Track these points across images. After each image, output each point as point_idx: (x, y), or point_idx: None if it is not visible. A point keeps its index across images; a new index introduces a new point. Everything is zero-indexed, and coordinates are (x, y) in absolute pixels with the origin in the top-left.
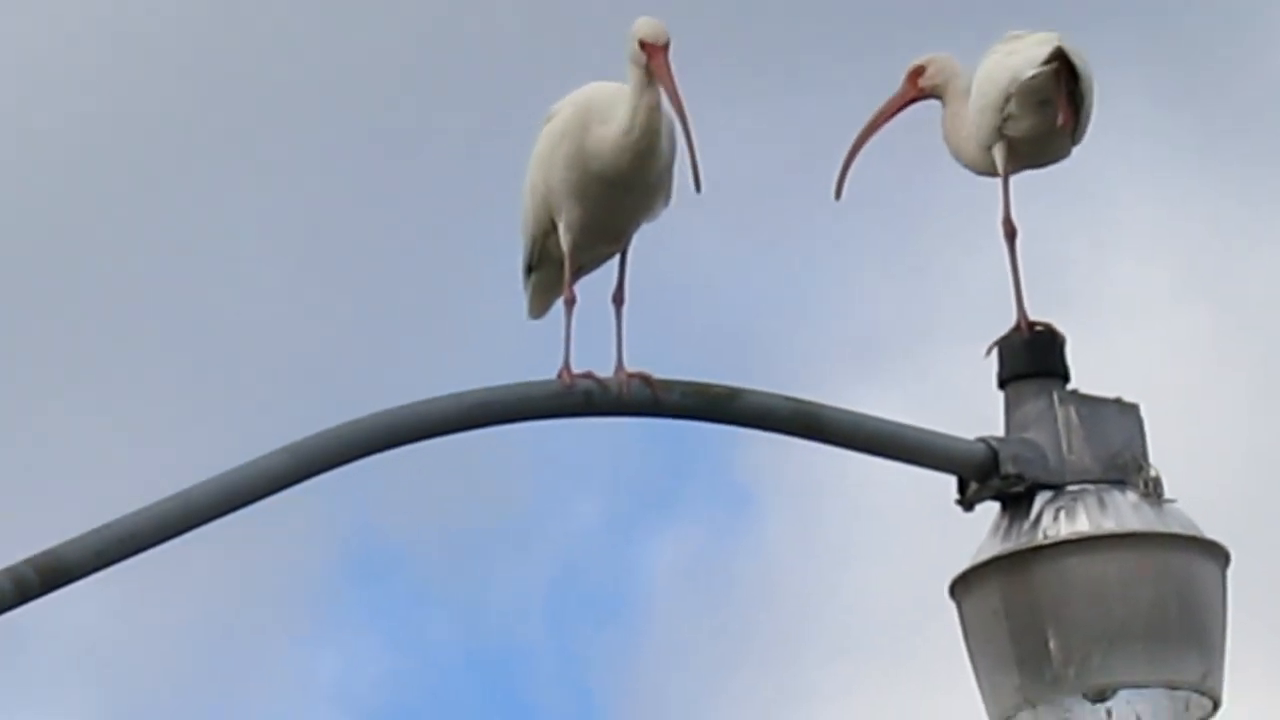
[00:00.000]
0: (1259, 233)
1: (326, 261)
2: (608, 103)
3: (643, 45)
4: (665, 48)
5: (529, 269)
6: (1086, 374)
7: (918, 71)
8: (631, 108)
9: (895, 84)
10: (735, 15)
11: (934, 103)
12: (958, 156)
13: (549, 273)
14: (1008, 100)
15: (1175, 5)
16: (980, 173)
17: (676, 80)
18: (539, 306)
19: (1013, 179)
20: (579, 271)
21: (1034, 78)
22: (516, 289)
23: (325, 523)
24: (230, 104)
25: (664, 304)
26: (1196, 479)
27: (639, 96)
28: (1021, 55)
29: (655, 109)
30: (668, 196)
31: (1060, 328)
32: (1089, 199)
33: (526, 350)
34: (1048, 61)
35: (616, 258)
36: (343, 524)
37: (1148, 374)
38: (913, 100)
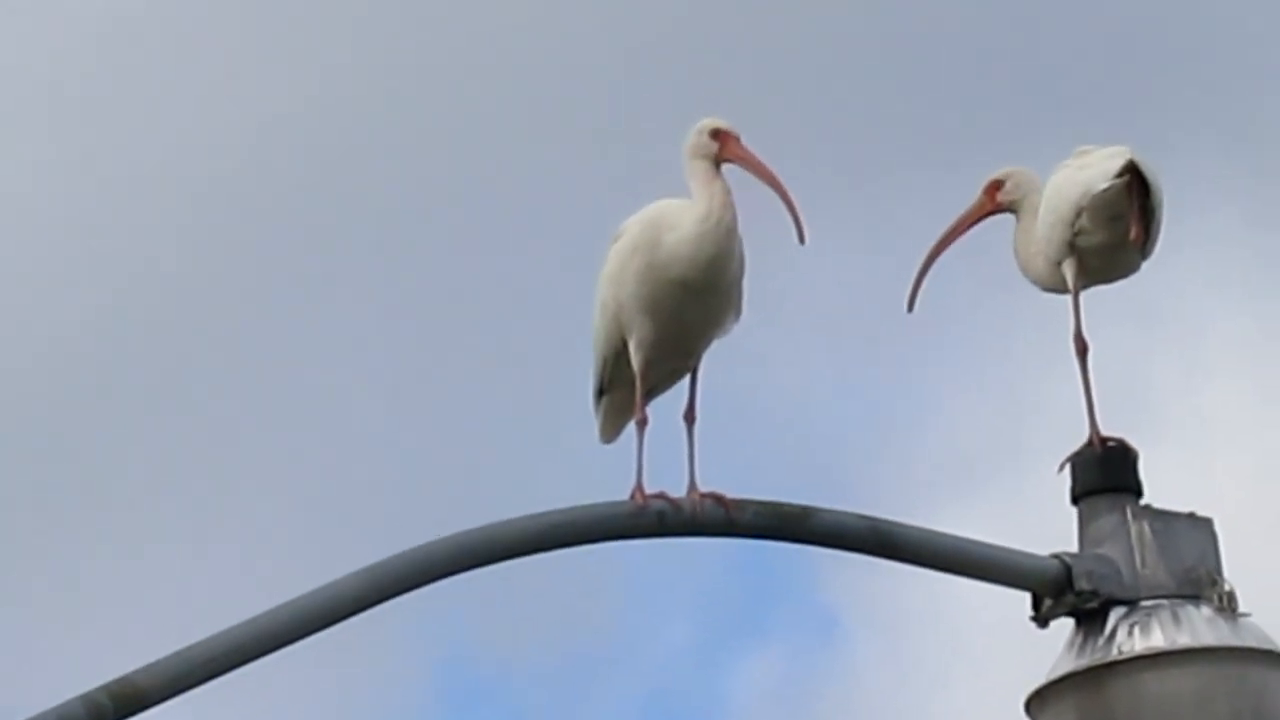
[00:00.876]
0: None
1: (408, 383)
2: (676, 213)
3: (715, 134)
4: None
5: (600, 392)
6: (1166, 490)
7: (996, 185)
8: (706, 196)
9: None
10: (826, 126)
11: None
12: (1026, 272)
13: (620, 395)
14: (1079, 215)
15: (1263, 118)
16: (1047, 289)
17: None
18: (611, 429)
19: (1086, 296)
20: (650, 392)
21: (1106, 191)
22: (589, 411)
23: (418, 649)
24: (324, 222)
25: (744, 425)
26: (1273, 594)
27: (710, 186)
28: (1094, 169)
29: (729, 196)
30: (738, 310)
31: (1133, 443)
32: (1174, 316)
33: (601, 473)
34: (1120, 175)
35: (687, 378)
36: (436, 651)
37: (1228, 491)
38: (990, 214)
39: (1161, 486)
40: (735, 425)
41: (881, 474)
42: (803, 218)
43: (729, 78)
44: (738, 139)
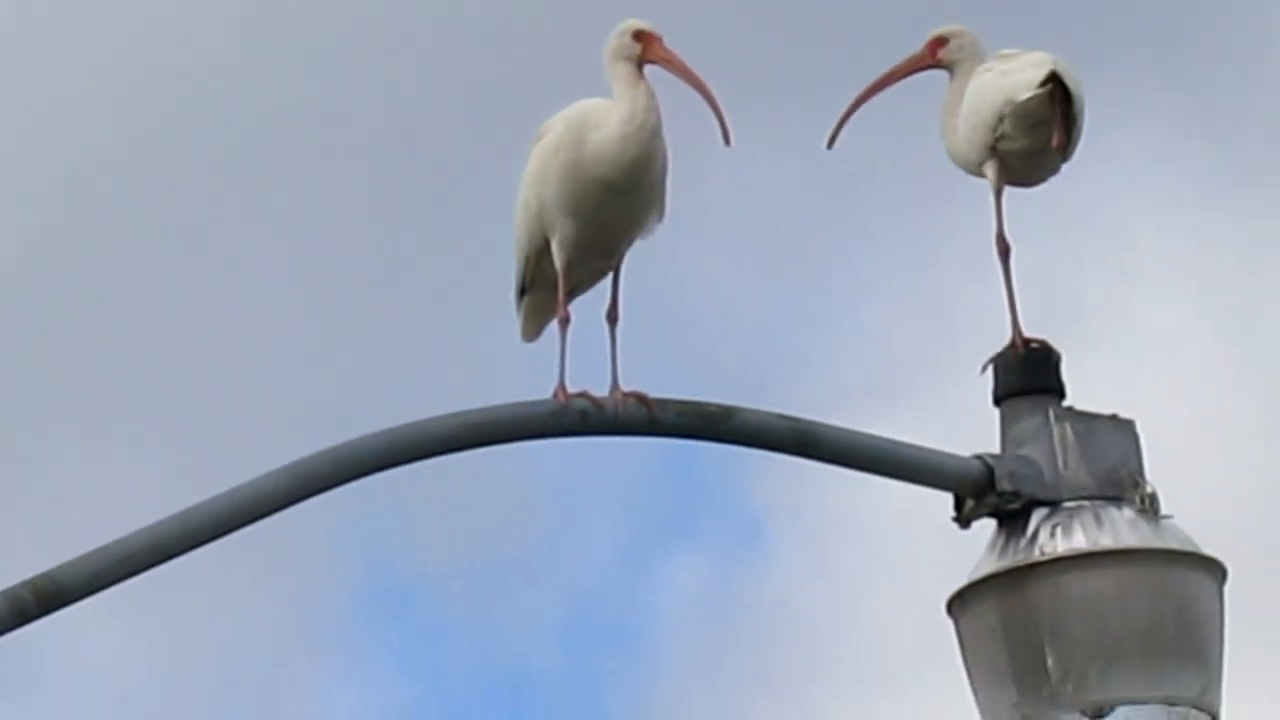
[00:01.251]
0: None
1: (327, 285)
2: (600, 112)
3: (638, 36)
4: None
5: (522, 291)
6: (1090, 395)
7: (940, 41)
8: (630, 98)
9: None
10: (750, 30)
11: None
12: (950, 153)
13: (542, 294)
14: (1001, 120)
15: (1194, 29)
16: (970, 172)
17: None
18: (532, 328)
19: (1013, 201)
20: (572, 291)
21: (1029, 100)
22: (511, 311)
23: (342, 556)
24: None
25: (668, 326)
26: (1195, 496)
27: (633, 88)
28: (1016, 76)
29: (652, 98)
30: (661, 210)
31: (1055, 344)
32: (1102, 224)
33: (523, 372)
34: (1043, 84)
35: (609, 277)
36: (359, 556)
37: (1152, 394)
38: (927, 67)
39: (1086, 390)
40: (659, 326)
41: (806, 376)
42: (728, 119)
43: None
44: (660, 40)
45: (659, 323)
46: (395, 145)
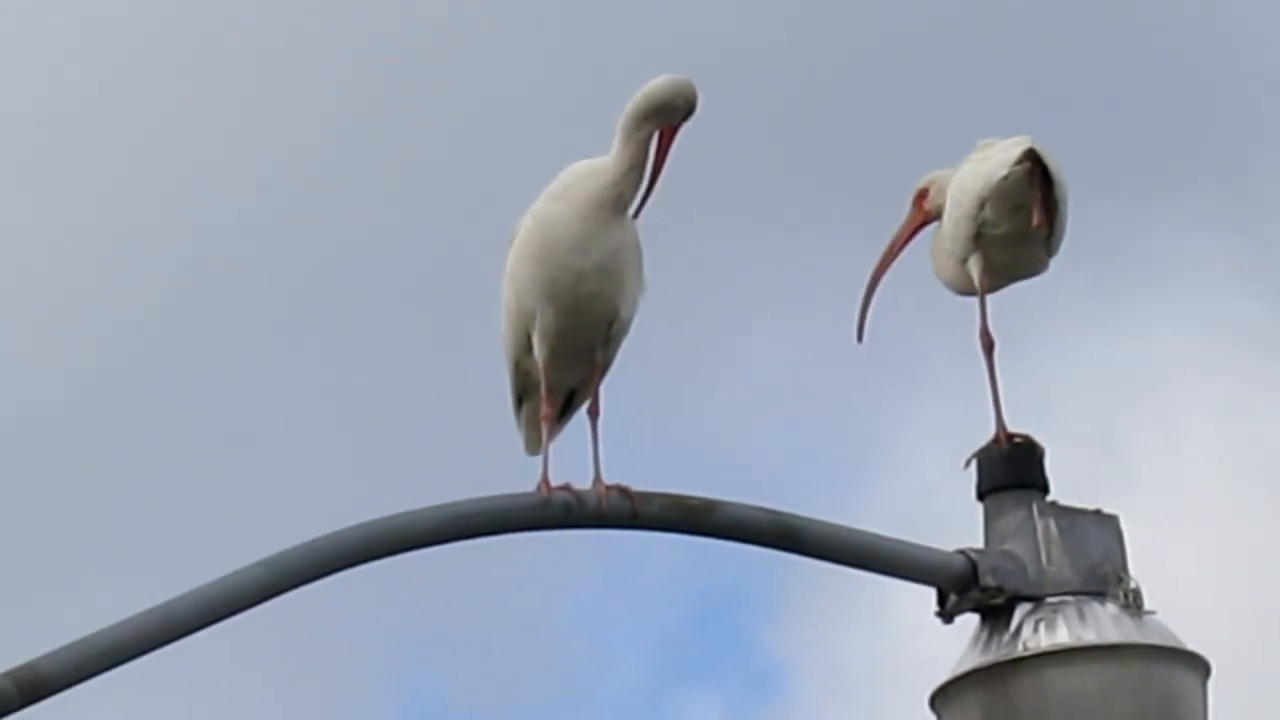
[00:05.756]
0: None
1: (315, 378)
2: (563, 184)
3: (664, 112)
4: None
5: (519, 400)
6: (1074, 489)
7: (922, 194)
8: (626, 160)
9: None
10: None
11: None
12: (939, 274)
13: (537, 404)
14: (982, 206)
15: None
16: (961, 291)
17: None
18: (535, 439)
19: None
20: (555, 390)
21: (1007, 178)
22: (504, 409)
23: (376, 681)
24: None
25: (646, 419)
26: (1179, 592)
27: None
28: (994, 159)
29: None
30: (633, 302)
31: (1040, 440)
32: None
33: (516, 469)
34: (1019, 162)
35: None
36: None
37: (1136, 488)
38: (923, 224)
39: (1069, 485)
40: (641, 419)
41: (788, 469)
42: (651, 199)
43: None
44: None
45: (642, 416)
46: (392, 226)
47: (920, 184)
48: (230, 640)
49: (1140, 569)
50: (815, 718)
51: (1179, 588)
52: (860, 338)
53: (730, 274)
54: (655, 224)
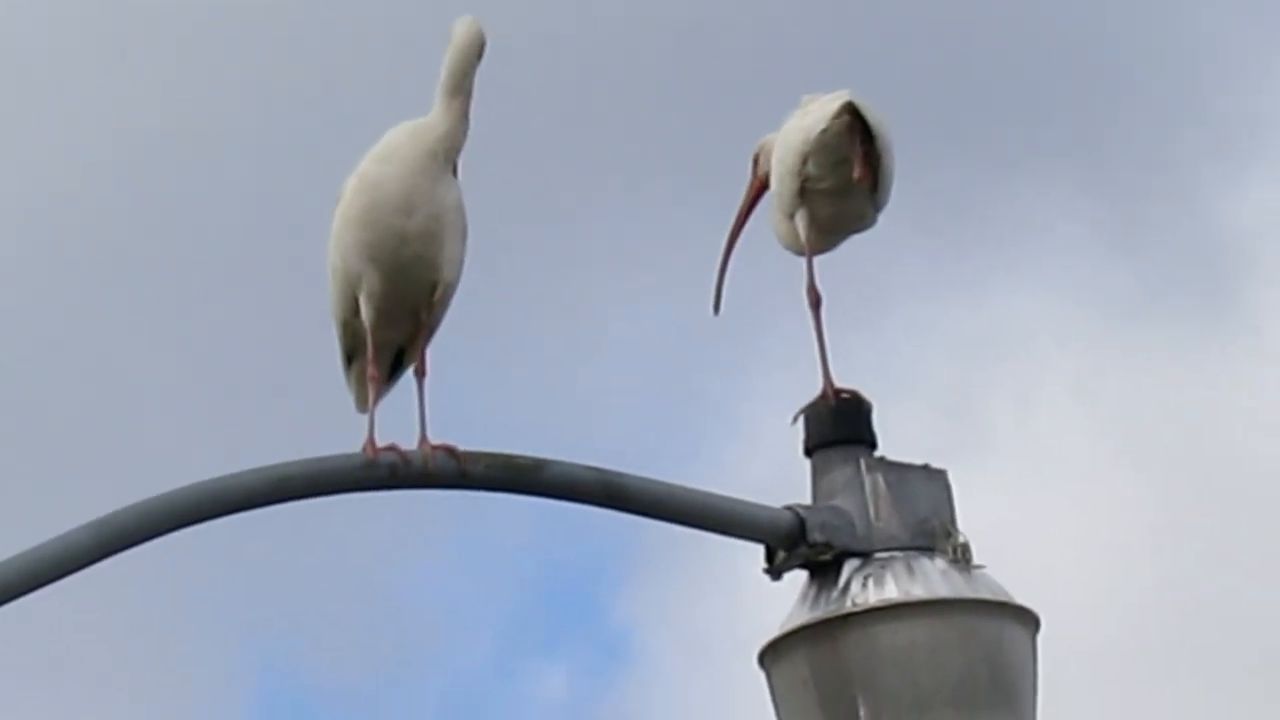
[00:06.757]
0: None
1: (146, 341)
2: (385, 145)
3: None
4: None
5: (348, 359)
6: (903, 444)
7: (755, 161)
8: (455, 112)
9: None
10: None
11: None
12: (776, 233)
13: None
14: (805, 161)
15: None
16: (796, 250)
17: None
18: (365, 399)
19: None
20: (382, 350)
21: (826, 131)
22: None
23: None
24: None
25: (471, 377)
26: (1023, 551)
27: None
28: (813, 115)
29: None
30: (456, 265)
31: (867, 395)
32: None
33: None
34: (838, 115)
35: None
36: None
37: (966, 445)
38: (762, 189)
39: (923, 449)
40: (469, 378)
41: (632, 435)
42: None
43: None
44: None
45: (470, 374)
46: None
47: (754, 150)
48: (76, 605)
49: (983, 529)
50: (665, 682)
51: (1024, 547)
52: (717, 309)
53: (581, 237)
54: (503, 184)
